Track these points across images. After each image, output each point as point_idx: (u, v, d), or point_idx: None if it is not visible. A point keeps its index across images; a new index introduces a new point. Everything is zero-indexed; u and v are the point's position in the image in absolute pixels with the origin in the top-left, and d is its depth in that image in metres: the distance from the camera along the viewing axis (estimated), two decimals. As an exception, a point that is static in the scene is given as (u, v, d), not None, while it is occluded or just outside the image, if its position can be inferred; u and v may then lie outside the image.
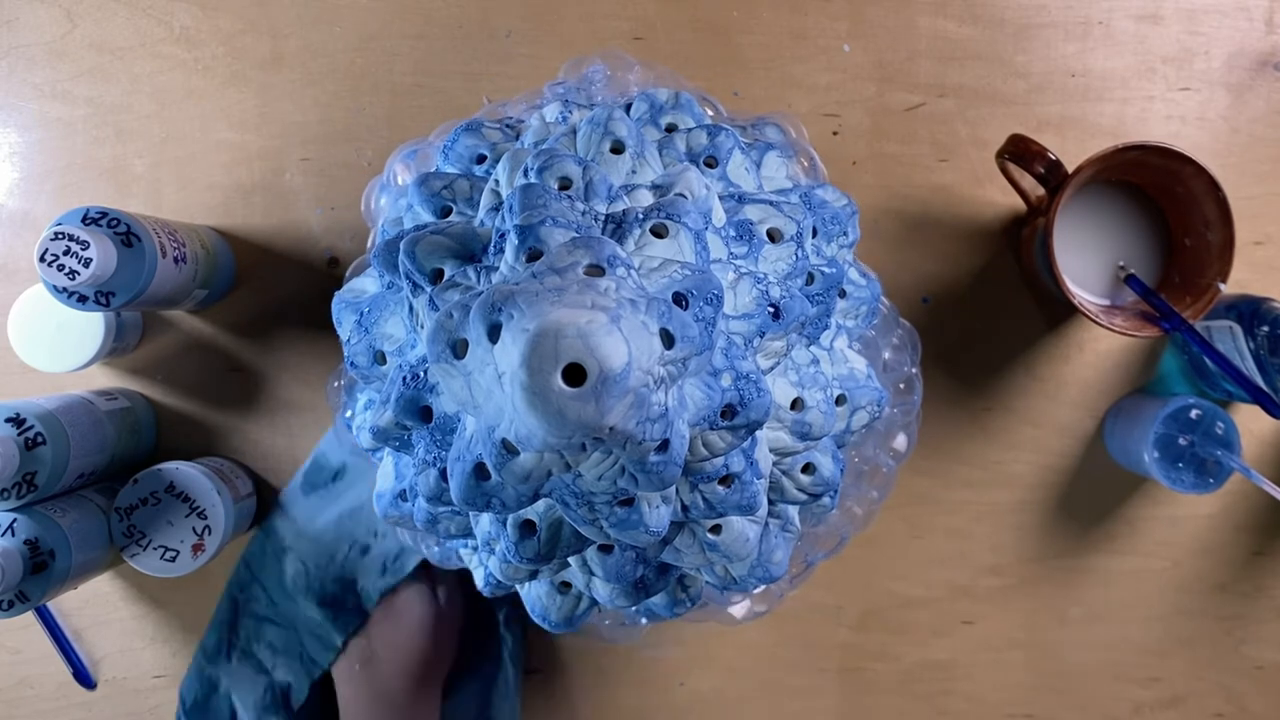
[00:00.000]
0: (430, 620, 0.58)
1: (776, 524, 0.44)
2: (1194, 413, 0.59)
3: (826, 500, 0.44)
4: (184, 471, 0.56)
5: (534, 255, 0.33)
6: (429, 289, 0.35)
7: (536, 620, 0.45)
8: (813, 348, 0.41)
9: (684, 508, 0.37)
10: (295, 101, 0.62)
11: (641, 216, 0.35)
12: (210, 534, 0.55)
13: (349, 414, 0.47)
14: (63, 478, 0.52)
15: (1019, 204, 0.62)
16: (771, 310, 0.36)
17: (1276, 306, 0.56)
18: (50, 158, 0.61)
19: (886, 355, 0.52)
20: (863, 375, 0.44)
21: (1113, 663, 0.64)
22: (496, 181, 0.39)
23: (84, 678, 0.61)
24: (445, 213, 0.41)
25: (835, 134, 0.63)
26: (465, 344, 0.31)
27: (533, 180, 0.37)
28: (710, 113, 0.48)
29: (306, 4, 0.62)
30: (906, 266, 0.63)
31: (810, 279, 0.40)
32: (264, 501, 0.62)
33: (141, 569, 0.55)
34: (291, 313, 0.62)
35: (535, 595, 0.45)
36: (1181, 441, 0.58)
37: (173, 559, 0.55)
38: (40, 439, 0.50)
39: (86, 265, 0.47)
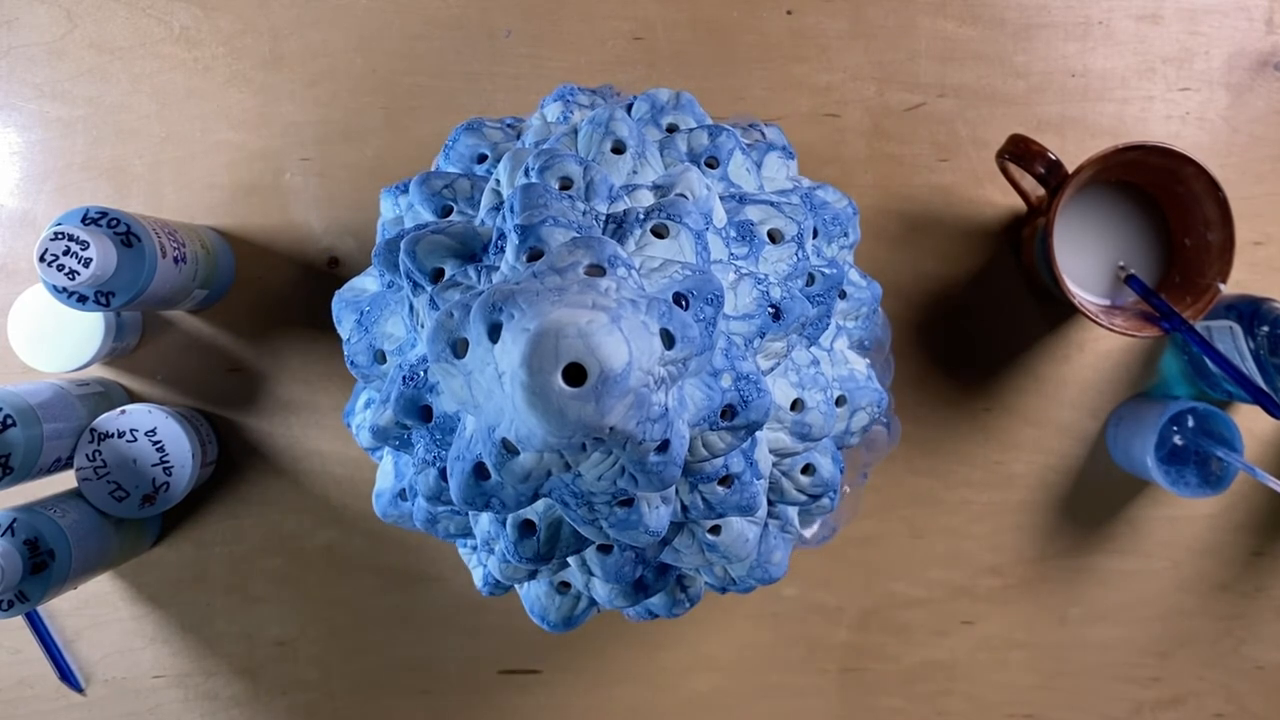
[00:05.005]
0: None
1: (776, 525, 0.44)
2: (1194, 416, 0.59)
3: (826, 501, 0.44)
4: (172, 427, 0.55)
5: (535, 255, 0.33)
6: (429, 288, 0.35)
7: (535, 620, 0.45)
8: (813, 349, 0.41)
9: (683, 508, 0.37)
10: (295, 101, 0.62)
11: (642, 216, 0.35)
12: (166, 492, 0.55)
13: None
14: (38, 459, 0.52)
15: (1019, 204, 0.62)
16: (772, 311, 0.36)
17: (1276, 306, 0.56)
18: (50, 158, 0.61)
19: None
20: (863, 376, 0.44)
21: (1113, 663, 0.64)
22: (497, 181, 0.39)
23: (72, 682, 0.60)
24: (446, 212, 0.41)
25: (835, 134, 0.63)
26: (465, 343, 0.31)
27: (534, 180, 0.37)
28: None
29: (306, 4, 0.62)
30: (906, 266, 0.63)
31: (811, 280, 0.40)
32: (225, 482, 0.62)
33: (85, 494, 0.54)
34: (291, 313, 0.62)
35: (534, 595, 0.45)
36: (1184, 445, 0.58)
37: (120, 500, 0.55)
38: (10, 421, 0.50)
39: (86, 265, 0.47)
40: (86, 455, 0.54)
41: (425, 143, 0.62)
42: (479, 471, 0.33)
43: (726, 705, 0.63)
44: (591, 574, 0.41)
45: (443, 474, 0.37)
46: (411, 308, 0.38)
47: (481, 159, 0.45)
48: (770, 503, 0.42)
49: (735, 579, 0.44)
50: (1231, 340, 0.57)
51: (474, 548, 0.46)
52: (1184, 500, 0.63)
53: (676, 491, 0.36)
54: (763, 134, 0.47)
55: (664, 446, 0.30)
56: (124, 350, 0.60)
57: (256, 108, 0.62)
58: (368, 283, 0.43)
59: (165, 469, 0.55)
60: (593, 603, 0.45)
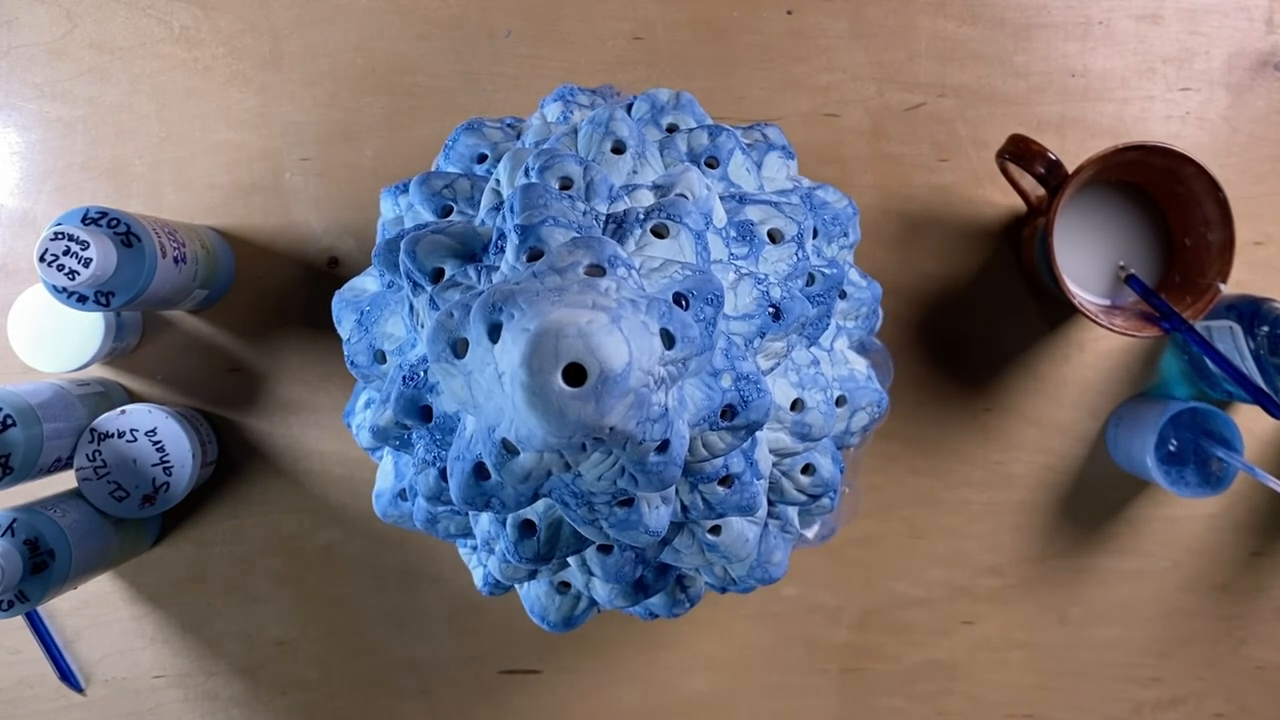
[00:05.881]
0: None
1: (776, 525, 0.44)
2: (1194, 416, 0.59)
3: (826, 501, 0.44)
4: (172, 427, 0.55)
5: (535, 255, 0.33)
6: (429, 288, 0.35)
7: (535, 620, 0.45)
8: (813, 349, 0.41)
9: (684, 508, 0.37)
10: (295, 101, 0.62)
11: (642, 216, 0.35)
12: (166, 492, 0.55)
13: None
14: (38, 459, 0.52)
15: (1019, 204, 0.62)
16: (772, 311, 0.36)
17: (1276, 306, 0.56)
18: (50, 158, 0.61)
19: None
20: (863, 376, 0.44)
21: (1113, 663, 0.64)
22: (497, 181, 0.39)
23: (72, 682, 0.60)
24: (446, 212, 0.41)
25: (835, 134, 0.63)
26: (465, 343, 0.31)
27: (534, 180, 0.37)
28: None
29: (306, 4, 0.62)
30: (906, 266, 0.63)
31: (811, 280, 0.40)
32: (225, 482, 0.62)
33: (85, 494, 0.54)
34: (291, 313, 0.62)
35: (534, 595, 0.45)
36: (1184, 445, 0.58)
37: (120, 500, 0.55)
38: (10, 421, 0.50)
39: (86, 265, 0.47)
40: (86, 455, 0.54)
41: (425, 143, 0.62)
42: (479, 471, 0.33)
43: (726, 705, 0.63)
44: (591, 574, 0.41)
45: (443, 474, 0.37)
46: (411, 308, 0.38)
47: (481, 159, 0.45)
48: (770, 503, 0.42)
49: (735, 579, 0.44)
50: (1231, 340, 0.57)
51: (474, 548, 0.46)
52: (1184, 500, 0.63)
53: (676, 491, 0.36)
54: (763, 134, 0.47)
55: (664, 446, 0.30)
56: (124, 350, 0.60)
57: (256, 108, 0.62)
58: (368, 283, 0.43)
59: (165, 469, 0.55)
60: (593, 603, 0.45)
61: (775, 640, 0.63)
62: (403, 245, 0.36)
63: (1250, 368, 0.56)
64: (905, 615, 0.64)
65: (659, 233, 0.35)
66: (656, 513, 0.34)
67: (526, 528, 0.37)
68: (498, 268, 0.35)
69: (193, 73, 0.62)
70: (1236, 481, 0.61)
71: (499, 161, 0.42)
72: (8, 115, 0.61)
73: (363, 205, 0.62)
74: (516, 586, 0.45)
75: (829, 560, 0.63)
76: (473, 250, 0.36)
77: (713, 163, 0.42)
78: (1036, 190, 0.59)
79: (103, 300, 0.50)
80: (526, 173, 0.38)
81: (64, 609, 0.61)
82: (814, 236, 0.43)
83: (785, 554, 0.44)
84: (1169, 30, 0.63)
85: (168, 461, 0.55)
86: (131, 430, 0.55)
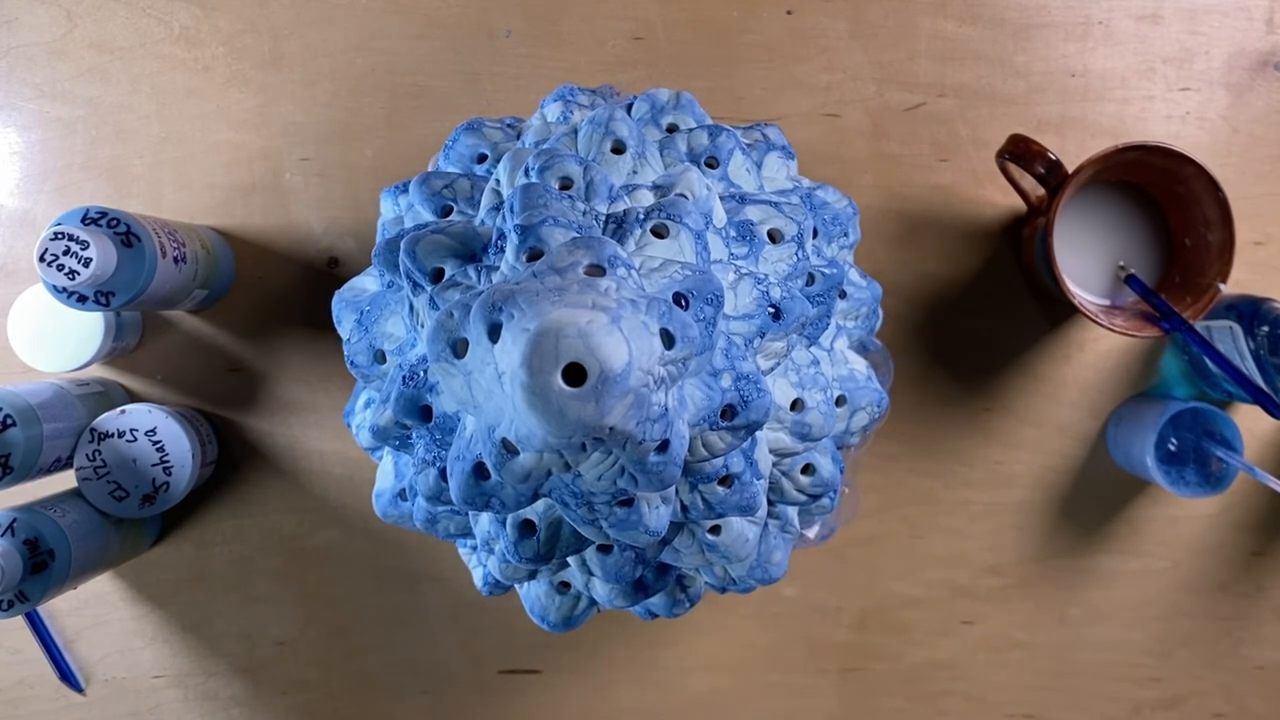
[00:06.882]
0: None
1: (776, 525, 0.44)
2: (1194, 416, 0.59)
3: (826, 501, 0.44)
4: (172, 427, 0.56)
5: (535, 255, 0.33)
6: (429, 288, 0.35)
7: (535, 620, 0.45)
8: (813, 348, 0.41)
9: (683, 508, 0.37)
10: (295, 101, 0.62)
11: (642, 216, 0.35)
12: (166, 492, 0.55)
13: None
14: (38, 459, 0.52)
15: (1019, 204, 0.62)
16: (772, 311, 0.36)
17: (1276, 306, 0.56)
18: (50, 158, 0.61)
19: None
20: (863, 376, 0.44)
21: (1113, 663, 0.64)
22: (497, 181, 0.39)
23: (72, 682, 0.60)
24: (446, 212, 0.41)
25: (835, 134, 0.63)
26: (465, 343, 0.31)
27: (534, 180, 0.37)
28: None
29: (306, 4, 0.62)
30: (906, 266, 0.63)
31: (811, 280, 0.40)
32: (225, 482, 0.62)
33: (85, 494, 0.54)
34: (291, 313, 0.62)
35: (534, 595, 0.45)
36: (1184, 445, 0.58)
37: (120, 499, 0.55)
38: (10, 421, 0.50)
39: (86, 265, 0.47)
40: (86, 455, 0.54)
41: (425, 143, 0.62)
42: (479, 471, 0.33)
43: (726, 705, 0.63)
44: (591, 574, 0.41)
45: (443, 474, 0.37)
46: (411, 308, 0.38)
47: (481, 159, 0.45)
48: (770, 503, 0.42)
49: (735, 579, 0.44)
50: (1231, 340, 0.57)
51: (474, 548, 0.46)
52: (1184, 500, 0.63)
53: (676, 491, 0.36)
54: (763, 134, 0.47)
55: (664, 446, 0.30)
56: (124, 350, 0.60)
57: (256, 108, 0.62)
58: (368, 283, 0.43)
59: (165, 469, 0.55)
60: (593, 603, 0.45)
61: (775, 640, 0.63)
62: (403, 245, 0.36)
63: (1250, 368, 0.56)
64: (905, 615, 0.64)
65: (659, 233, 0.35)
66: (656, 513, 0.34)
67: (526, 528, 0.37)
68: (498, 268, 0.35)
69: (193, 73, 0.62)
70: (1236, 481, 0.61)
71: (499, 161, 0.42)
72: (8, 115, 0.61)
73: (363, 205, 0.62)
74: (516, 586, 0.45)
75: (829, 560, 0.63)
76: (473, 250, 0.36)
77: (713, 163, 0.42)
78: (1036, 190, 0.59)
79: (103, 300, 0.50)
80: (526, 173, 0.38)
81: (64, 609, 0.61)
82: (814, 236, 0.43)
83: (785, 554, 0.44)
84: (1169, 30, 0.63)
85: (168, 461, 0.55)
86: (131, 430, 0.55)
